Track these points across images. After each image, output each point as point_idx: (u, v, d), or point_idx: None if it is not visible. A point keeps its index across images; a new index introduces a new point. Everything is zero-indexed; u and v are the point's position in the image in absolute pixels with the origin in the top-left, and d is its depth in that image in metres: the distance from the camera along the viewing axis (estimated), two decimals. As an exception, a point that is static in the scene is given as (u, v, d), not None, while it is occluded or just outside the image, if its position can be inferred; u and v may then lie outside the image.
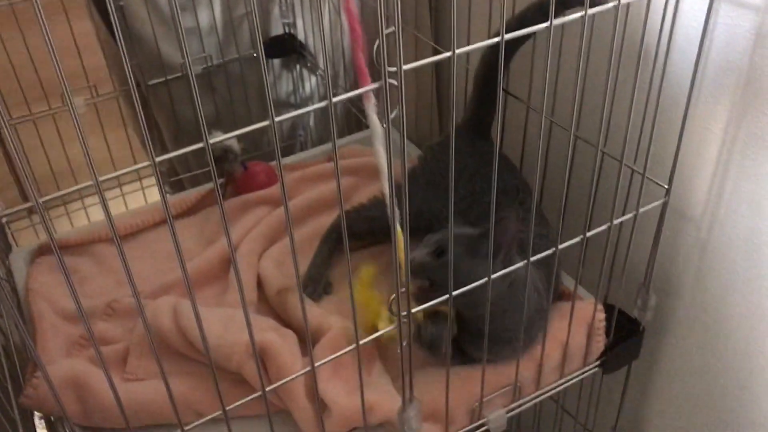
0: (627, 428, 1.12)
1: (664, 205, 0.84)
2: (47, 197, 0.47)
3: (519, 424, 1.29)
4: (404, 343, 0.72)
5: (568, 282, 0.96)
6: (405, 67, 0.55)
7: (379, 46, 0.54)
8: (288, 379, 0.70)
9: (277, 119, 0.54)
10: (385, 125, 0.58)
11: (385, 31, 0.54)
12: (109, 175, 0.49)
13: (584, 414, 1.10)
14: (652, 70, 0.80)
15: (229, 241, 0.61)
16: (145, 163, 0.49)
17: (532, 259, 0.75)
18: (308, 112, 1.56)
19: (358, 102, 1.45)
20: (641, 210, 0.82)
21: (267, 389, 0.67)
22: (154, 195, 1.41)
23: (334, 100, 0.55)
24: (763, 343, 0.85)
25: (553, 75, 0.96)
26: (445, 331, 0.81)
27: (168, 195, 1.30)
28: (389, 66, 0.55)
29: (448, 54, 0.57)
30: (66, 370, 0.84)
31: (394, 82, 0.56)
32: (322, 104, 0.55)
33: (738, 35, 0.74)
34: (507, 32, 0.59)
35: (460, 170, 0.95)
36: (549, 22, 0.61)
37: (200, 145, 0.51)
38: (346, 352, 0.70)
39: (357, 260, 1.02)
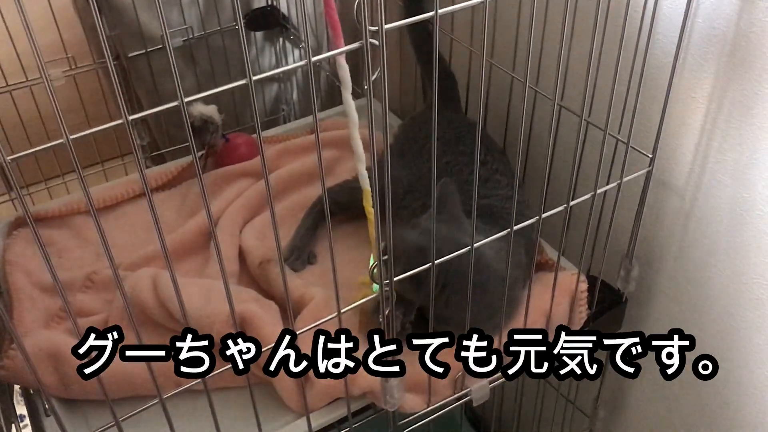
0: (609, 400, 1.12)
1: (648, 174, 0.84)
2: (16, 155, 0.46)
3: (502, 396, 1.29)
4: (386, 312, 0.72)
5: (552, 253, 0.96)
6: (387, 26, 0.54)
7: (359, 4, 0.53)
8: (267, 347, 0.69)
9: (255, 78, 0.52)
10: (366, 87, 0.57)
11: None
12: (81, 133, 0.48)
13: (567, 386, 1.11)
14: (636, 38, 0.79)
15: (209, 212, 0.60)
16: (119, 121, 0.48)
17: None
18: (291, 87, 1.56)
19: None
20: (625, 179, 0.81)
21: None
22: (134, 171, 1.40)
23: (314, 59, 0.54)
24: (745, 312, 0.85)
25: (537, 44, 0.95)
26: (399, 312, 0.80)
27: (149, 168, 1.28)
28: (370, 25, 0.54)
29: (431, 14, 0.56)
30: (43, 341, 0.83)
31: (375, 42, 0.54)
32: (302, 63, 0.54)
33: (724, 1, 0.74)
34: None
35: (425, 138, 0.98)
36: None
37: (175, 103, 0.50)
38: (327, 321, 0.70)
39: (341, 231, 1.02)
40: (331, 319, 0.69)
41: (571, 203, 0.77)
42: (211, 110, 1.09)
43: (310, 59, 0.54)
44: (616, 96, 0.76)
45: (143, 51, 1.36)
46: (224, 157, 1.14)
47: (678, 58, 0.77)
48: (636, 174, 0.83)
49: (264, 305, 0.87)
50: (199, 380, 0.66)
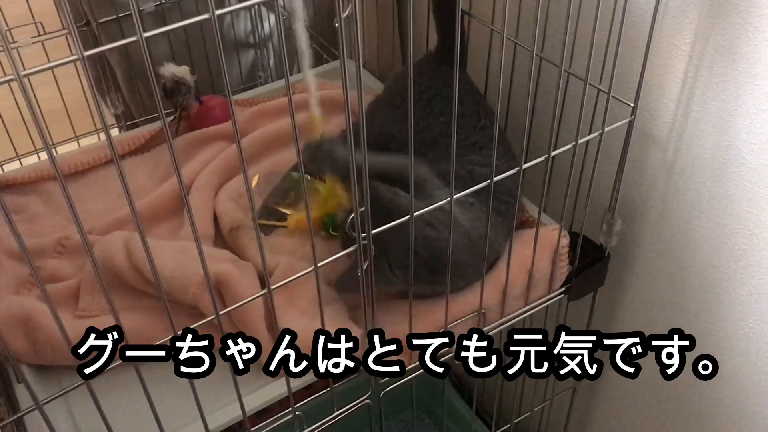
0: (593, 360, 1.12)
1: (630, 123, 0.82)
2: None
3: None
4: (365, 267, 0.70)
5: (533, 210, 0.94)
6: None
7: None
8: (243, 302, 0.67)
9: (218, 12, 0.50)
10: (337, 24, 0.55)
11: None
12: (39, 67, 0.45)
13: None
14: (617, -17, 0.77)
15: (178, 174, 0.57)
16: (74, 57, 0.45)
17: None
18: (267, 53, 1.53)
19: (318, 37, 1.40)
20: (607, 129, 0.80)
21: (221, 312, 0.64)
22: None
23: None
24: (728, 263, 0.84)
25: (517, -5, 0.93)
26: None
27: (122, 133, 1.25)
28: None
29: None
30: (13, 307, 0.81)
31: (346, -23, 0.52)
32: (268, -2, 0.51)
33: (706, -58, 0.72)
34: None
35: (419, 92, 0.93)
36: None
37: (134, 38, 0.47)
38: (304, 275, 0.68)
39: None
40: (307, 273, 0.67)
41: (553, 153, 0.76)
42: (183, 71, 1.06)
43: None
44: (596, 45, 0.75)
45: (114, 17, 1.32)
46: (198, 119, 1.11)
47: (659, 4, 0.76)
48: (618, 123, 0.82)
49: (240, 266, 0.85)
50: (171, 337, 0.64)
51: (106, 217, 0.97)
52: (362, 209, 0.66)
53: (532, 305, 0.90)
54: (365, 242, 0.68)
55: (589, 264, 0.92)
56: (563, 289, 0.92)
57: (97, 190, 1.04)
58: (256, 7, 1.46)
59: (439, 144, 0.89)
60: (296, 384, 0.79)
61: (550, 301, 0.91)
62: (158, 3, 1.33)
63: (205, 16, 0.50)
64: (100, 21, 1.33)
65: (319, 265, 0.67)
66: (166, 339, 0.64)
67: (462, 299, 0.84)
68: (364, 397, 0.83)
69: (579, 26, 0.84)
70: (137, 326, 0.82)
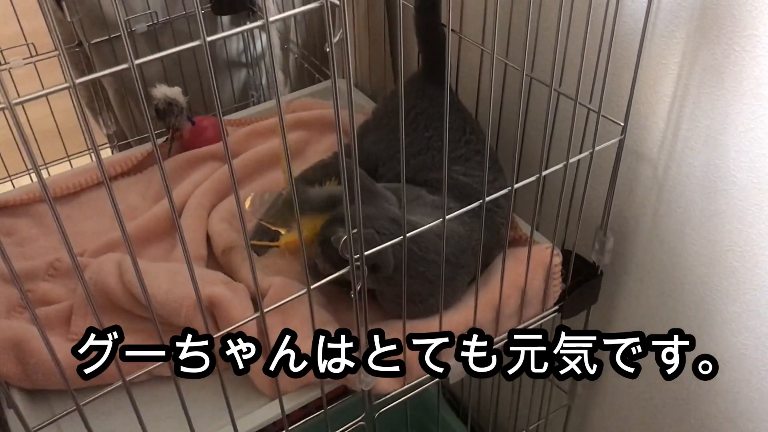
0: (587, 377, 1.12)
1: (621, 142, 0.83)
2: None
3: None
4: (358, 288, 0.70)
5: (525, 228, 0.95)
6: (347, -16, 0.52)
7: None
8: (235, 326, 0.67)
9: (209, 39, 0.50)
10: (328, 50, 0.55)
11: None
12: (31, 95, 0.45)
13: (545, 363, 1.10)
14: (605, 5, 0.78)
15: (170, 196, 0.57)
16: (65, 84, 0.46)
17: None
18: (259, 73, 1.53)
19: (310, 57, 1.41)
20: (597, 148, 0.80)
21: (215, 336, 0.64)
22: (103, 155, 1.36)
23: (271, 20, 0.52)
24: (720, 281, 0.84)
25: (506, 15, 0.94)
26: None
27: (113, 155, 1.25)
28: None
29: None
30: (4, 330, 0.80)
31: (336, 2, 0.52)
32: (259, 23, 0.51)
33: (692, -36, 0.73)
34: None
35: (406, 111, 0.94)
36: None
37: (125, 65, 0.47)
38: (297, 297, 0.68)
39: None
40: (300, 295, 0.67)
41: (544, 173, 0.76)
42: (175, 92, 1.06)
43: (267, 21, 0.52)
44: (586, 65, 0.75)
45: (106, 37, 1.32)
46: (191, 140, 1.11)
47: (647, 24, 0.76)
48: (608, 143, 0.82)
49: (233, 287, 0.85)
50: (163, 362, 0.63)
51: (98, 239, 0.97)
52: (355, 231, 0.66)
53: (526, 323, 0.90)
54: (358, 264, 0.68)
55: (582, 282, 0.92)
56: (557, 307, 0.92)
57: (89, 211, 1.04)
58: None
59: (424, 157, 0.91)
60: (290, 406, 0.78)
61: (543, 319, 0.91)
62: (150, 23, 1.34)
63: (197, 42, 0.50)
64: (93, 42, 1.34)
65: (312, 287, 0.67)
66: (159, 364, 0.64)
67: (456, 318, 0.84)
68: (359, 418, 0.82)
69: (568, 46, 0.85)
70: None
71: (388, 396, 0.82)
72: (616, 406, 1.11)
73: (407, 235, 0.70)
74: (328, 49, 0.55)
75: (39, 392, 0.81)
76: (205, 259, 0.94)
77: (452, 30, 0.98)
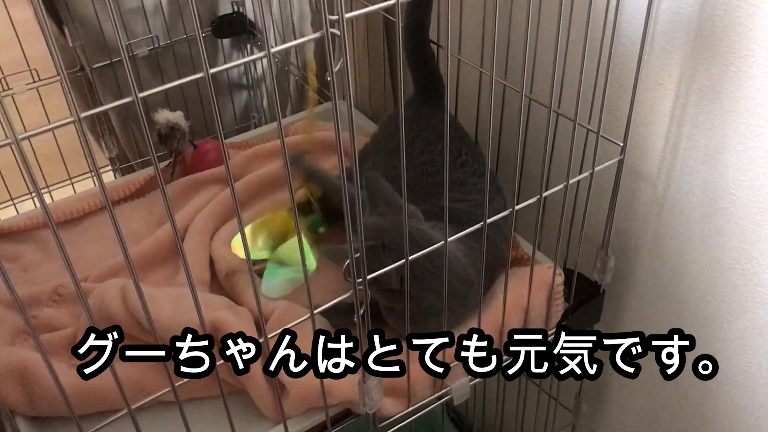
0: (591, 395, 1.12)
1: (620, 162, 0.84)
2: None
3: (484, 395, 1.28)
4: (361, 311, 0.70)
5: (527, 247, 0.95)
6: (347, 15, 0.53)
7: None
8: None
9: (212, 70, 0.51)
10: (329, 79, 0.56)
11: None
12: (37, 130, 0.46)
13: (548, 382, 1.10)
14: (603, 26, 0.79)
15: (172, 220, 0.58)
16: (70, 119, 0.46)
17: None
18: (261, 94, 1.54)
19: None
20: (597, 168, 0.81)
21: (218, 363, 0.64)
22: (105, 179, 1.37)
23: (273, 50, 0.52)
24: (722, 299, 0.84)
25: (504, 36, 0.95)
26: None
27: (116, 179, 1.26)
28: (330, 14, 0.52)
29: (393, 1, 0.55)
30: (8, 358, 0.81)
31: (337, 32, 0.53)
32: (261, 55, 0.52)
33: (687, -14, 0.74)
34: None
35: (398, 137, 0.94)
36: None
37: (129, 99, 0.48)
38: (301, 321, 0.68)
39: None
40: (304, 320, 0.67)
41: (544, 194, 0.77)
42: (177, 116, 1.07)
43: (269, 51, 0.52)
44: (584, 86, 0.76)
45: (108, 62, 1.34)
46: (193, 164, 1.12)
47: (645, 45, 0.77)
48: (608, 163, 0.83)
49: (237, 312, 0.85)
50: (168, 390, 0.63)
51: (102, 264, 0.97)
52: (357, 255, 0.66)
53: (529, 344, 0.90)
54: (361, 287, 0.68)
55: (585, 301, 0.92)
56: (560, 326, 0.92)
57: (93, 236, 1.05)
58: (248, 48, 1.48)
59: (418, 183, 0.91)
60: (294, 430, 0.78)
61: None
62: (151, 47, 1.35)
63: (200, 75, 0.50)
64: (94, 67, 1.35)
65: (315, 311, 0.67)
66: (165, 390, 0.64)
67: (459, 339, 0.84)
68: (363, 441, 0.82)
69: (567, 67, 0.85)
70: (135, 375, 0.81)
71: (393, 418, 0.82)
72: (621, 426, 1.10)
73: (418, 254, 0.71)
74: (329, 78, 0.56)
75: (44, 420, 0.82)
76: (209, 283, 0.94)
77: (451, 53, 0.99)
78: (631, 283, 0.96)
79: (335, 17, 0.53)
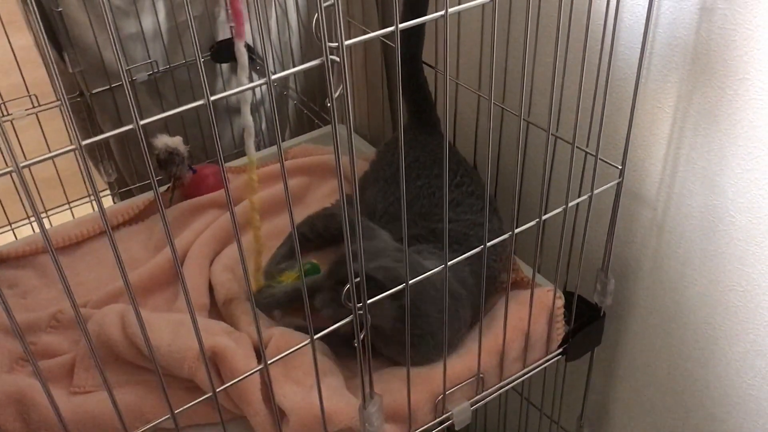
0: (593, 418, 1.11)
1: (619, 185, 0.84)
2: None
3: (486, 419, 1.27)
4: (362, 337, 0.70)
5: (527, 270, 0.95)
6: (347, 42, 0.53)
7: (317, 19, 0.52)
8: (238, 379, 0.67)
9: (213, 98, 0.51)
10: (329, 105, 0.56)
11: (324, 4, 0.52)
12: (38, 158, 0.46)
13: (549, 405, 1.09)
14: (600, 50, 0.79)
15: (172, 245, 0.58)
16: (71, 147, 0.46)
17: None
18: (259, 118, 1.55)
19: (309, 103, 1.43)
20: (596, 191, 0.81)
21: (218, 389, 0.64)
22: (104, 203, 1.37)
23: (274, 77, 0.53)
24: (723, 321, 0.84)
25: (502, 62, 0.95)
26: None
27: (115, 204, 1.26)
28: (330, 42, 0.53)
29: (392, 29, 0.56)
30: (6, 385, 0.80)
31: (336, 59, 0.54)
32: (261, 82, 0.53)
33: (684, 10, 0.74)
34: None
35: (397, 164, 0.96)
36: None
37: (130, 126, 0.48)
38: (300, 348, 0.68)
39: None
40: (303, 346, 0.67)
41: (544, 217, 0.77)
42: (176, 141, 1.07)
43: (269, 78, 0.53)
44: (583, 109, 0.76)
45: (107, 87, 1.34)
46: (192, 188, 1.12)
47: (642, 69, 0.78)
48: (606, 186, 0.83)
49: (236, 338, 0.84)
50: (168, 417, 0.63)
51: (101, 289, 0.97)
52: (357, 280, 0.66)
53: (531, 367, 0.90)
54: (361, 312, 0.68)
55: (585, 324, 0.92)
56: (561, 350, 0.92)
57: (91, 261, 1.04)
58: (248, 73, 1.49)
59: (412, 206, 0.92)
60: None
61: (548, 363, 0.91)
62: (151, 72, 1.36)
63: (200, 102, 0.51)
64: (94, 92, 1.35)
65: (315, 337, 0.67)
66: (165, 418, 0.63)
67: (460, 364, 0.83)
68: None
69: (565, 90, 0.86)
70: (134, 401, 0.81)
71: (394, 443, 0.82)
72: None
73: (413, 280, 0.71)
74: (329, 104, 0.56)
75: (42, 448, 0.81)
76: (208, 308, 0.93)
77: (449, 77, 1.00)
78: (632, 306, 0.96)
79: (335, 44, 0.53)
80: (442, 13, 0.57)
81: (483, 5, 0.65)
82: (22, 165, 0.45)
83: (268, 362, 0.66)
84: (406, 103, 1.01)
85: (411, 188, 0.93)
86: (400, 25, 0.55)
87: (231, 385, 0.67)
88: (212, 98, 0.51)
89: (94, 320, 0.87)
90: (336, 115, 0.57)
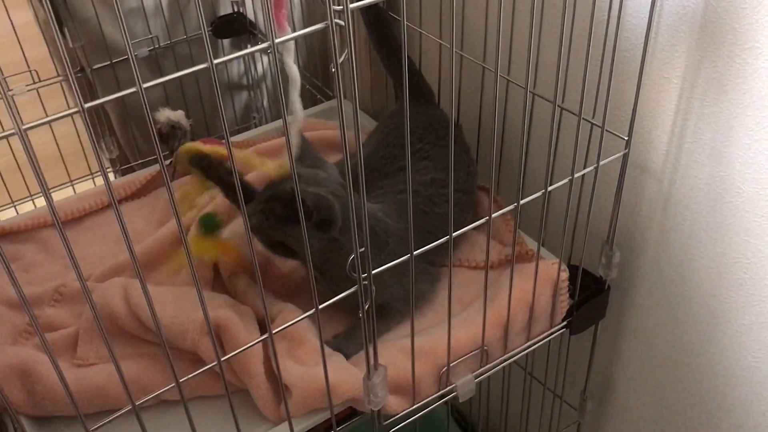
0: (596, 393, 1.11)
1: (625, 156, 0.83)
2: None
3: (489, 393, 1.27)
4: (366, 307, 0.70)
5: (531, 244, 0.94)
6: (352, 5, 0.52)
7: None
8: (243, 348, 0.67)
9: (216, 61, 0.50)
10: (333, 70, 0.55)
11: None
12: (39, 121, 0.45)
13: (553, 380, 1.09)
14: (606, 20, 0.78)
15: (178, 218, 0.57)
16: (75, 109, 0.46)
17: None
18: (261, 94, 1.54)
19: (311, 78, 1.42)
20: (602, 163, 0.80)
21: (222, 359, 0.64)
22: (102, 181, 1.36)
23: (277, 41, 0.52)
24: (728, 293, 0.84)
25: (507, 33, 0.94)
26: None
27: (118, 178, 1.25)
28: (334, 5, 0.52)
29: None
30: (10, 357, 0.80)
31: (341, 22, 0.53)
32: (264, 45, 0.52)
33: (692, -22, 0.73)
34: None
35: (387, 132, 1.00)
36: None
37: (133, 90, 0.48)
38: (305, 317, 0.67)
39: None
40: (308, 315, 0.67)
41: (549, 188, 0.76)
42: (178, 115, 1.06)
43: (274, 42, 0.52)
44: (589, 80, 0.75)
45: (108, 63, 1.33)
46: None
47: (649, 38, 0.77)
48: (612, 157, 0.82)
49: (240, 311, 0.84)
50: (173, 385, 0.63)
51: (103, 263, 0.96)
52: (362, 249, 0.66)
53: (534, 340, 0.90)
54: (365, 283, 0.68)
55: (590, 297, 0.91)
56: (565, 323, 0.91)
57: (94, 236, 1.04)
58: (249, 48, 1.48)
59: (381, 168, 0.96)
60: (298, 429, 0.78)
61: (551, 336, 0.91)
62: (152, 48, 1.35)
63: (204, 65, 0.50)
64: (95, 67, 1.34)
65: (320, 306, 0.66)
66: (169, 387, 0.63)
67: (464, 337, 0.83)
68: (368, 440, 0.82)
69: (571, 61, 0.85)
70: (137, 374, 0.81)
71: (398, 416, 0.82)
72: (627, 422, 1.10)
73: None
74: (333, 70, 0.56)
75: (46, 419, 0.81)
76: (212, 282, 0.93)
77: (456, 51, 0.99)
78: (636, 279, 0.95)
79: (339, 8, 0.52)
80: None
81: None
82: (24, 127, 0.44)
83: (274, 332, 0.66)
84: (391, 76, 1.04)
85: (383, 153, 0.97)
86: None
87: (234, 355, 0.67)
88: (216, 61, 0.50)
89: (97, 293, 0.87)
90: (341, 84, 0.56)
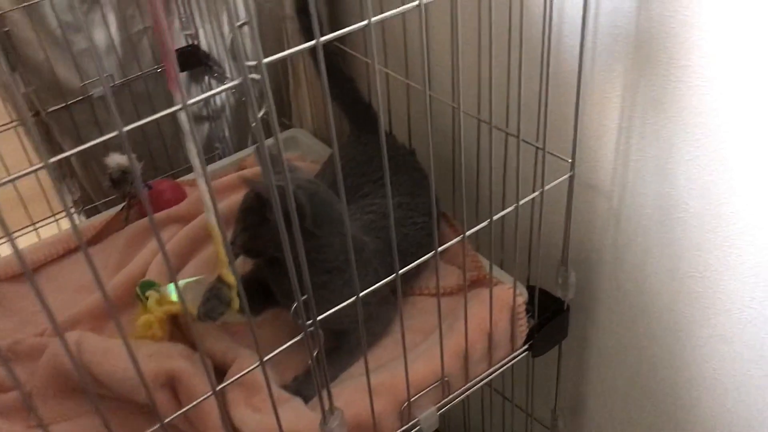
0: (568, 409, 1.10)
1: (571, 179, 0.83)
2: None
3: (465, 414, 1.26)
4: (315, 353, 0.69)
5: (488, 265, 0.94)
6: (265, 60, 0.52)
7: (234, 38, 0.51)
8: (194, 403, 0.66)
9: (191, 101, 0.49)
10: (254, 124, 0.55)
11: (237, 23, 0.50)
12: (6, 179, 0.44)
13: (523, 400, 1.08)
14: (542, 42, 0.78)
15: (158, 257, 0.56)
16: (39, 165, 0.45)
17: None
18: (222, 125, 1.53)
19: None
20: (547, 186, 0.80)
21: (175, 415, 0.63)
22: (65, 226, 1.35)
23: (189, 102, 0.51)
24: (684, 307, 0.84)
25: (447, 60, 0.94)
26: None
27: (81, 222, 1.24)
28: (249, 60, 0.51)
29: (313, 43, 0.54)
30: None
31: (257, 77, 0.52)
32: (177, 108, 0.51)
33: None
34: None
35: (344, 163, 1.00)
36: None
37: (115, 133, 0.47)
38: (252, 370, 0.67)
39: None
40: (254, 368, 0.66)
41: (495, 217, 0.76)
42: (128, 160, 1.05)
43: (185, 104, 0.51)
44: (531, 103, 0.75)
45: (63, 104, 1.32)
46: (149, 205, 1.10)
47: (584, 59, 0.77)
48: (558, 180, 0.82)
49: (195, 360, 0.83)
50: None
51: (59, 316, 0.95)
52: (304, 297, 0.65)
53: (496, 366, 0.89)
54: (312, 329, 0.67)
55: (550, 318, 0.91)
56: (527, 345, 0.91)
57: (50, 287, 1.02)
58: (206, 80, 1.47)
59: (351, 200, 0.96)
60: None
61: (514, 360, 0.90)
62: (112, 84, 1.34)
63: (178, 107, 0.49)
64: (50, 110, 1.33)
65: (264, 359, 0.65)
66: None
67: (424, 369, 0.82)
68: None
69: (511, 84, 0.84)
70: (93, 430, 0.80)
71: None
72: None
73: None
74: (254, 124, 0.55)
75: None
76: (169, 332, 0.92)
77: (420, 85, 0.98)
78: (597, 297, 0.95)
79: (254, 63, 0.52)
80: (365, 23, 0.56)
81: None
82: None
83: (222, 386, 0.65)
84: (342, 108, 1.06)
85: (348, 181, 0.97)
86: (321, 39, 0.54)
87: (186, 411, 0.66)
88: (190, 102, 0.49)
89: (51, 350, 0.85)
90: (264, 136, 0.56)
